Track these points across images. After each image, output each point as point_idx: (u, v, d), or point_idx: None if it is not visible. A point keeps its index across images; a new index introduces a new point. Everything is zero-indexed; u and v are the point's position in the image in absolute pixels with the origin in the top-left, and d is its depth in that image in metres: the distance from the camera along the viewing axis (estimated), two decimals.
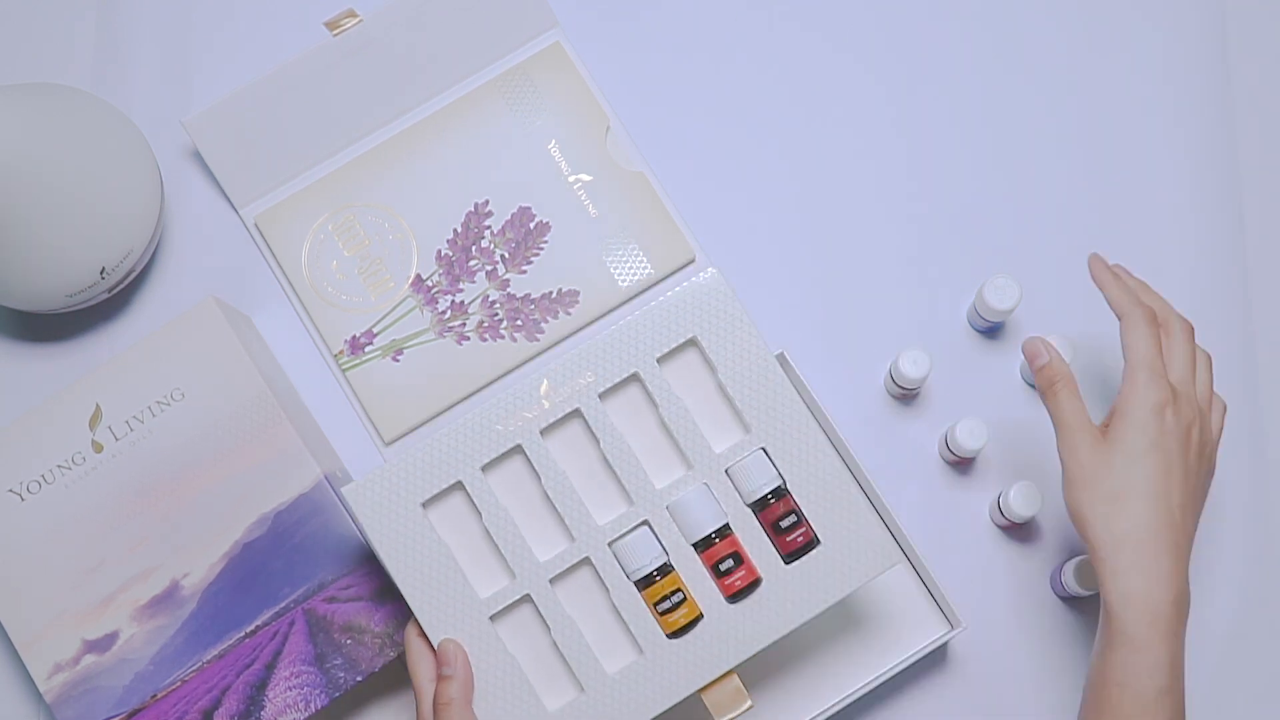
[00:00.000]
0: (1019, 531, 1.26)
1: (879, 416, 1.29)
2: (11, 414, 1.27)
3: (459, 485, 1.10)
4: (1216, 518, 1.28)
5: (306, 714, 1.16)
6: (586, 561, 1.10)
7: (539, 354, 1.29)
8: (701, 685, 1.09)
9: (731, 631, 1.09)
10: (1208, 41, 1.36)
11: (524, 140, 1.33)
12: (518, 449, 1.10)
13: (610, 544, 1.10)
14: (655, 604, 1.09)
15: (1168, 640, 1.02)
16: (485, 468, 1.10)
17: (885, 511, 1.21)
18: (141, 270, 1.29)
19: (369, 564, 1.17)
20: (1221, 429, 1.13)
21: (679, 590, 1.09)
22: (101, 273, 1.20)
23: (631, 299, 1.31)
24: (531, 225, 1.31)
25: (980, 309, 1.25)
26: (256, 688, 1.16)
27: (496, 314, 1.29)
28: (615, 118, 1.34)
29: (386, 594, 1.17)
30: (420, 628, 1.08)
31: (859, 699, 1.20)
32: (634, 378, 1.11)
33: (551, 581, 1.09)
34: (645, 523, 1.10)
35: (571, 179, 1.32)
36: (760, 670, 1.20)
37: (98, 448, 1.19)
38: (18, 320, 1.31)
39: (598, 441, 1.10)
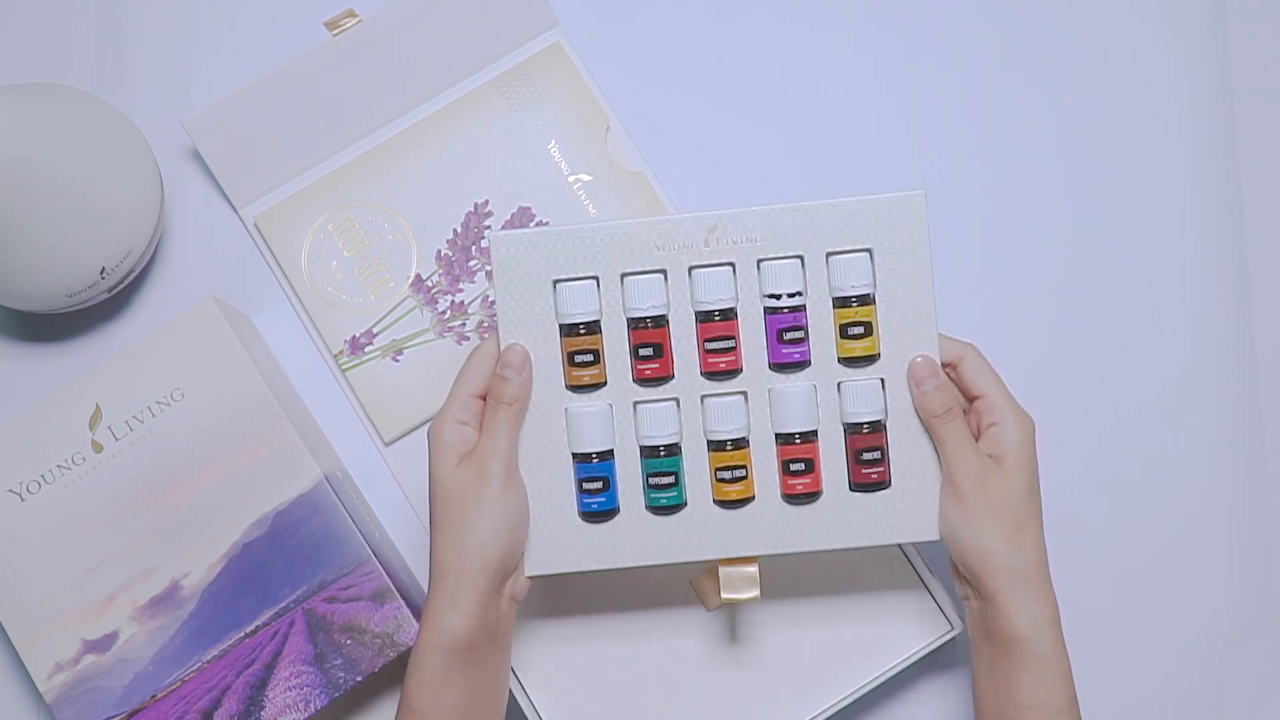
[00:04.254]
0: None
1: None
2: (11, 414, 1.27)
3: (594, 279, 1.10)
4: (1216, 518, 1.28)
5: (306, 714, 1.16)
6: (675, 401, 1.10)
7: None
8: (724, 558, 1.10)
9: (772, 525, 1.10)
10: (1208, 43, 1.36)
11: (524, 140, 1.33)
12: (661, 272, 1.10)
13: (704, 398, 1.10)
14: (716, 469, 1.10)
15: (1065, 656, 1.05)
16: (625, 275, 1.09)
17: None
18: (141, 270, 1.29)
19: (369, 564, 1.17)
20: None
21: (743, 466, 1.09)
22: (101, 273, 1.20)
23: None
24: (531, 225, 1.31)
25: None
26: (256, 688, 1.16)
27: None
28: (615, 118, 1.34)
29: (386, 594, 1.17)
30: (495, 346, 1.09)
31: (858, 699, 1.19)
32: (797, 258, 1.09)
33: (636, 405, 1.10)
34: (744, 394, 1.10)
35: (571, 179, 1.32)
36: (758, 671, 1.20)
37: (97, 448, 1.19)
38: (18, 320, 1.31)
39: (737, 301, 1.10)
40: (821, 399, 1.10)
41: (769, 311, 1.09)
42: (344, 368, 1.29)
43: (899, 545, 1.22)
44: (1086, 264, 1.32)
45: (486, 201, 1.31)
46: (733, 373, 1.10)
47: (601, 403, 1.10)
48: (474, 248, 1.30)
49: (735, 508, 1.10)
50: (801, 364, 1.10)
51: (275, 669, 1.16)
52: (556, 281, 1.09)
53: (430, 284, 1.30)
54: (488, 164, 1.32)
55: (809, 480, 1.09)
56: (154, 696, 1.16)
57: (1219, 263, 1.32)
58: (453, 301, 1.30)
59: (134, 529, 1.18)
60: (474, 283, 1.30)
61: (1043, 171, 1.34)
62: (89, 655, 1.16)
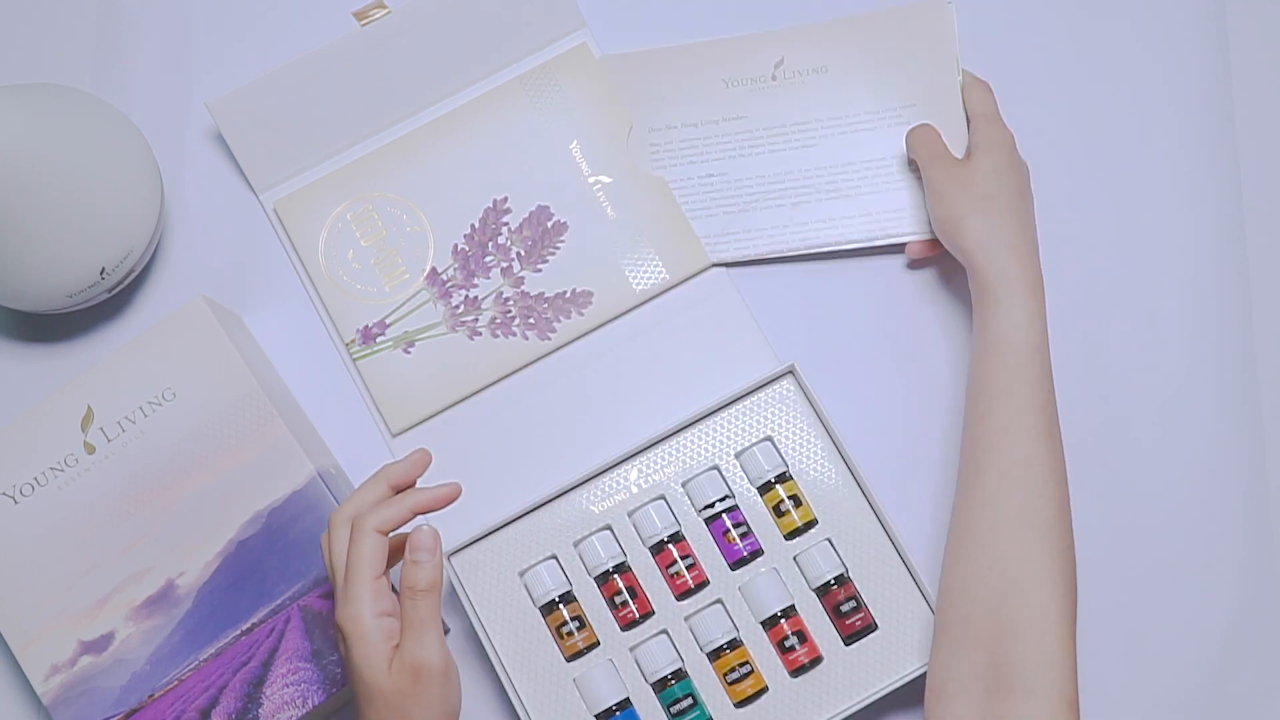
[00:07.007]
0: None
1: (889, 428, 1.29)
2: (12, 414, 1.27)
3: (553, 556, 1.21)
4: (1217, 518, 1.27)
5: (304, 710, 1.16)
6: (664, 633, 1.20)
7: (549, 353, 1.29)
8: None
9: (793, 703, 1.18)
10: (1208, 45, 1.35)
11: (546, 139, 1.33)
12: (607, 527, 1.22)
13: (687, 619, 1.20)
14: (725, 674, 1.19)
15: (1034, 304, 1.16)
16: (576, 543, 1.21)
17: (889, 526, 1.21)
18: (141, 270, 1.30)
19: None
20: None
21: (746, 663, 1.19)
22: (101, 273, 1.21)
23: (645, 303, 1.30)
24: (549, 224, 1.31)
25: None
26: (253, 685, 1.16)
27: (509, 311, 1.29)
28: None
29: None
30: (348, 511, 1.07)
31: (849, 717, 1.18)
32: (714, 468, 1.23)
33: (631, 649, 1.20)
34: (719, 601, 1.20)
35: (591, 180, 1.32)
36: None
37: (90, 449, 1.20)
38: (18, 320, 1.32)
39: (679, 525, 1.22)
40: (786, 577, 1.21)
41: (709, 521, 1.22)
42: (355, 357, 1.29)
43: (905, 564, 1.21)
44: (1087, 268, 1.31)
45: (505, 199, 1.31)
46: (702, 585, 1.21)
47: (602, 659, 1.20)
48: (490, 244, 1.30)
49: (754, 701, 1.19)
50: (756, 553, 1.21)
51: (272, 666, 1.17)
52: (521, 572, 1.21)
53: (445, 278, 1.30)
54: (509, 161, 1.33)
55: (807, 649, 1.19)
56: (151, 696, 1.17)
57: (1219, 267, 1.31)
58: (466, 296, 1.29)
59: (128, 529, 1.19)
60: (488, 279, 1.30)
61: (1042, 176, 1.31)
62: (85, 656, 1.17)
